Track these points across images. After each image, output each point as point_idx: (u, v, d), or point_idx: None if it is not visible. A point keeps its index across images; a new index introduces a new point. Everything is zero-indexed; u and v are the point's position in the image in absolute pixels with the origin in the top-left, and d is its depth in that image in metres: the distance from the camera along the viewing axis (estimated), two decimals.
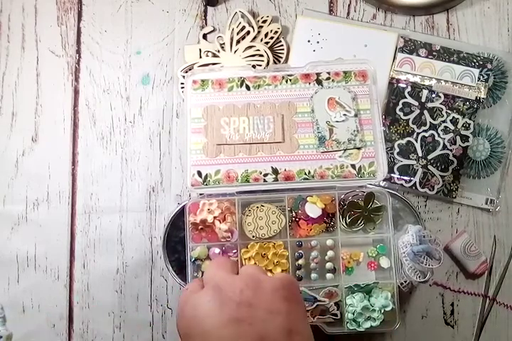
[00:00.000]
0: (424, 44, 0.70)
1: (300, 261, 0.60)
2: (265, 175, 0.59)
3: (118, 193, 0.70)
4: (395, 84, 0.69)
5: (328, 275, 0.60)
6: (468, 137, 0.68)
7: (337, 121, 0.60)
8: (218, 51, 0.71)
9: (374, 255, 0.61)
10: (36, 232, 0.69)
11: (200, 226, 0.59)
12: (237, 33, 0.70)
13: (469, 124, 0.69)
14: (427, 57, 0.69)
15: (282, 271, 0.59)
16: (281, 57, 0.71)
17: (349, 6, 0.72)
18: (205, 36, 0.72)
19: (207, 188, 0.59)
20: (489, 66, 0.69)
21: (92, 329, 0.68)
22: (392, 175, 0.68)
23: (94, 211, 0.70)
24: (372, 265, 0.61)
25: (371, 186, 0.61)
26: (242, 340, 0.35)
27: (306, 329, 0.40)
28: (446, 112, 0.69)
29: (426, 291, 0.68)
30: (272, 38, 0.70)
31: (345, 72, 0.61)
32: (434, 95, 0.69)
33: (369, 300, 0.58)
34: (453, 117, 0.69)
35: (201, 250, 0.59)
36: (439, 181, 0.68)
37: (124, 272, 0.69)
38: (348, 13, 0.72)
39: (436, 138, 0.68)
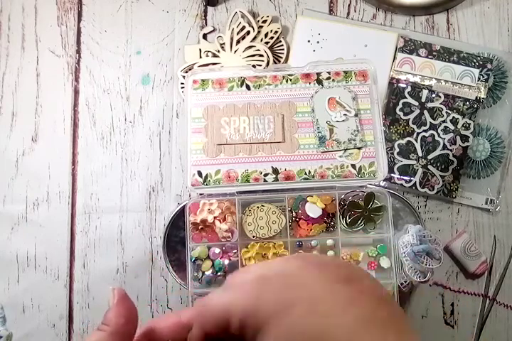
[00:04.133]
0: (424, 44, 0.70)
1: None
2: (265, 175, 0.59)
3: (118, 193, 0.70)
4: (395, 84, 0.69)
5: None
6: (468, 137, 0.68)
7: (337, 121, 0.60)
8: (218, 51, 0.71)
9: (374, 255, 0.61)
10: (36, 232, 0.69)
11: (200, 226, 0.59)
12: (237, 33, 0.70)
13: (469, 124, 0.69)
14: (427, 57, 0.69)
15: None
16: (281, 57, 0.71)
17: (349, 6, 0.72)
18: (205, 36, 0.72)
19: (207, 188, 0.59)
20: (489, 66, 0.69)
21: (92, 330, 0.68)
22: (392, 175, 0.68)
23: (94, 211, 0.70)
24: (373, 265, 0.61)
25: (371, 186, 0.61)
26: (363, 297, 0.27)
27: None
28: (446, 112, 0.69)
29: (426, 291, 0.68)
30: (272, 38, 0.70)
31: (345, 72, 0.61)
32: (434, 95, 0.69)
33: None
34: (453, 117, 0.69)
35: (201, 250, 0.59)
36: (439, 181, 0.68)
37: (124, 272, 0.69)
38: (348, 13, 0.72)
39: (436, 138, 0.68)
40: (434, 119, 0.69)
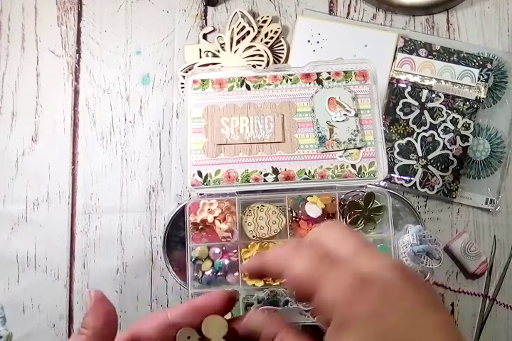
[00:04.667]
0: (424, 44, 0.70)
1: None
2: (265, 175, 0.59)
3: (118, 193, 0.70)
4: (395, 84, 0.69)
5: None
6: (468, 137, 0.68)
7: (337, 121, 0.60)
8: (218, 51, 0.71)
9: None
10: (36, 232, 0.69)
11: (200, 226, 0.59)
12: (237, 33, 0.70)
13: (469, 124, 0.69)
14: (427, 57, 0.70)
15: None
16: (281, 57, 0.71)
17: (349, 6, 0.72)
18: (205, 36, 0.72)
19: (207, 188, 0.59)
20: (489, 66, 0.69)
21: None
22: (392, 175, 0.68)
23: (94, 211, 0.70)
24: None
25: (371, 186, 0.61)
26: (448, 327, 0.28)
27: None
28: (446, 112, 0.69)
29: None
30: (272, 38, 0.70)
31: (345, 72, 0.61)
32: (434, 95, 0.69)
33: None
34: (453, 117, 0.69)
35: (201, 250, 0.59)
36: (439, 181, 0.68)
37: (124, 272, 0.69)
38: (348, 13, 0.72)
39: (436, 138, 0.68)
40: (434, 119, 0.69)
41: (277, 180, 0.59)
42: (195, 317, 0.32)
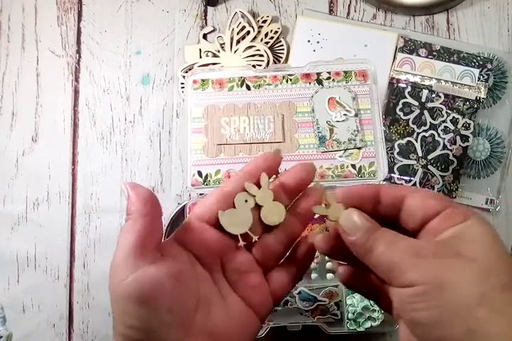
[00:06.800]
0: (424, 44, 0.70)
1: None
2: None
3: (118, 193, 0.70)
4: (395, 84, 0.69)
5: (329, 275, 0.60)
6: (468, 137, 0.69)
7: (337, 121, 0.60)
8: (218, 51, 0.71)
9: None
10: (36, 232, 0.69)
11: None
12: (237, 33, 0.70)
13: (469, 124, 0.69)
14: (427, 57, 0.70)
15: None
16: (281, 57, 0.71)
17: (349, 6, 0.72)
18: (205, 36, 0.72)
19: (207, 188, 0.59)
20: (489, 66, 0.69)
21: (92, 329, 0.68)
22: (392, 175, 0.68)
23: (94, 211, 0.70)
24: None
25: None
26: None
27: None
28: (446, 112, 0.69)
29: None
30: (272, 38, 0.70)
31: (345, 72, 0.61)
32: (434, 95, 0.69)
33: (369, 300, 0.58)
34: (453, 117, 0.69)
35: None
36: (439, 181, 0.68)
37: None
38: (348, 13, 0.72)
39: (436, 138, 0.68)
40: (434, 119, 0.69)
41: None
42: (249, 181, 0.36)
